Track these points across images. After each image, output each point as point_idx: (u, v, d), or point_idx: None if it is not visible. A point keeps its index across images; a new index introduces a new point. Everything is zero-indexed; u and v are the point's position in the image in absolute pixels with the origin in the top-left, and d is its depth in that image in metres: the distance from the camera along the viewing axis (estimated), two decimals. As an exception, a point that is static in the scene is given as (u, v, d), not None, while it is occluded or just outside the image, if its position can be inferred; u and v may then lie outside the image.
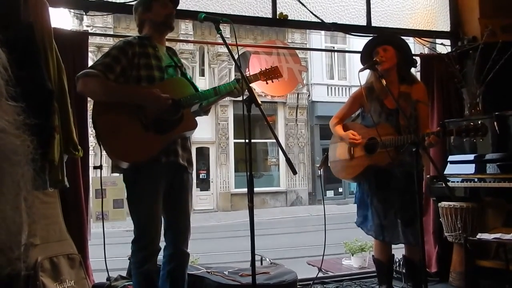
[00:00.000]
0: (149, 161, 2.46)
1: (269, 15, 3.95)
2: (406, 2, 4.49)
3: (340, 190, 18.52)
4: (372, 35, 4.17)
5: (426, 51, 4.59)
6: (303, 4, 3.98)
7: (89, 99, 2.90)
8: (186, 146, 2.66)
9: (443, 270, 3.94)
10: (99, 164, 2.61)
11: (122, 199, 3.69)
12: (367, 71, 3.13)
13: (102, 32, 14.15)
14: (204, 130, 15.43)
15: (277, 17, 3.94)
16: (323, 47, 17.73)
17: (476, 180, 3.57)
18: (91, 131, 3.43)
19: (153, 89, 2.45)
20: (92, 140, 4.05)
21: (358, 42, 4.61)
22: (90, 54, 3.83)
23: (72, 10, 3.63)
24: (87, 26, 13.48)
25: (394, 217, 3.05)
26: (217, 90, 2.68)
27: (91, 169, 3.40)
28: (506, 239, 3.09)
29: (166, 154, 2.51)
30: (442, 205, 3.70)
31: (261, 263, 4.27)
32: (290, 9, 4.00)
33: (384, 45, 3.07)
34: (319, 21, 4.05)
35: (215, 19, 2.46)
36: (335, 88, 18.99)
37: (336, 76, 19.24)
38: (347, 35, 4.38)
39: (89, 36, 3.51)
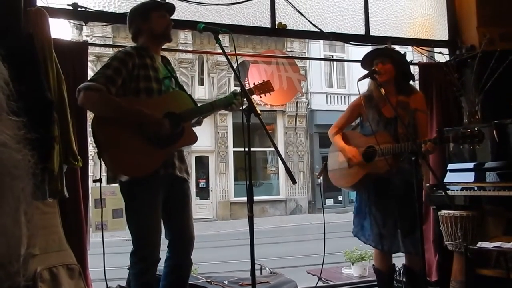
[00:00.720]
0: (145, 176, 2.46)
1: (268, 24, 3.97)
2: (405, 11, 4.51)
3: (340, 198, 18.50)
4: (370, 44, 4.20)
5: (424, 60, 4.60)
6: (301, 14, 4.01)
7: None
8: (183, 157, 2.68)
9: (443, 279, 3.92)
10: (98, 177, 2.61)
11: (122, 209, 3.68)
12: (367, 80, 3.14)
13: (102, 42, 14.19)
14: (203, 139, 15.45)
15: (276, 27, 3.96)
16: (322, 56, 17.80)
17: (475, 188, 3.56)
18: (90, 141, 3.43)
19: (152, 113, 2.44)
20: (91, 150, 4.05)
21: (357, 51, 4.64)
22: (89, 64, 3.84)
23: (72, 21, 3.64)
24: (86, 36, 13.54)
25: (394, 226, 3.05)
26: (214, 104, 2.69)
27: (90, 179, 3.39)
28: (506, 248, 3.08)
29: (164, 167, 2.52)
30: (442, 214, 3.70)
31: (261, 272, 4.25)
32: (288, 19, 4.02)
33: (383, 59, 3.09)
34: (318, 30, 4.07)
35: (214, 29, 2.48)
36: (334, 96, 19.03)
37: (335, 84, 19.30)
38: (346, 44, 4.40)
39: (89, 46, 3.52)
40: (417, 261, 2.92)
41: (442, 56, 4.52)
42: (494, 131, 3.52)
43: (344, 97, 18.86)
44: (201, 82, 17.20)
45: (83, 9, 3.36)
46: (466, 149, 3.89)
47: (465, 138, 2.59)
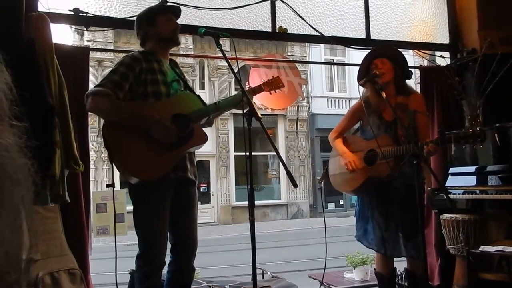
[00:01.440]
0: (156, 179, 2.47)
1: (268, 29, 3.97)
2: (405, 15, 4.52)
3: (341, 202, 18.46)
4: (371, 47, 4.20)
5: (425, 63, 4.60)
6: (302, 18, 4.01)
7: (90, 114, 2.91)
8: (193, 160, 2.69)
9: (445, 283, 3.91)
10: (111, 182, 2.62)
11: (123, 214, 3.68)
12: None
13: (103, 46, 14.22)
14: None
15: (277, 31, 3.97)
16: (323, 60, 17.82)
17: (477, 192, 3.55)
18: (91, 146, 3.43)
19: (160, 119, 2.45)
20: (92, 154, 4.05)
21: (358, 55, 4.64)
22: (90, 69, 3.85)
23: (73, 26, 3.65)
24: (87, 41, 13.57)
25: (395, 230, 3.04)
26: (219, 104, 2.68)
27: (92, 184, 3.39)
28: (508, 252, 3.07)
29: (175, 170, 2.52)
30: (444, 218, 3.69)
31: (263, 277, 4.24)
32: (289, 23, 4.02)
33: (382, 58, 3.09)
34: (319, 34, 4.07)
35: (215, 34, 2.48)
36: (335, 100, 19.04)
37: (336, 88, 19.30)
38: (346, 48, 4.40)
39: (90, 51, 3.53)
40: (419, 265, 2.90)
41: (443, 59, 4.52)
42: (496, 135, 3.52)
43: (345, 101, 18.86)
44: (202, 87, 17.21)
45: (84, 14, 3.37)
46: (468, 153, 3.89)
47: (467, 138, 2.58)
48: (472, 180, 3.67)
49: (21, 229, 0.49)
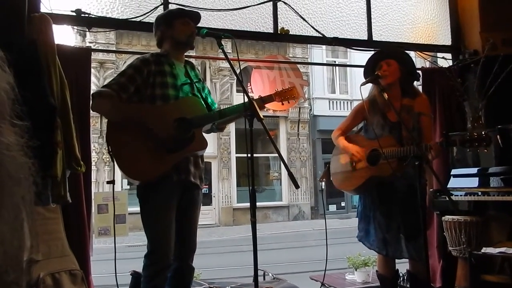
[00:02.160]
0: (159, 179, 2.50)
1: (270, 30, 3.98)
2: (407, 17, 4.52)
3: (343, 204, 18.45)
4: (373, 49, 4.20)
5: (427, 65, 4.60)
6: (304, 19, 4.01)
7: (92, 114, 2.92)
8: (198, 163, 2.70)
9: (447, 285, 3.90)
10: (111, 179, 2.65)
11: (124, 214, 3.68)
12: (370, 85, 3.13)
13: (105, 48, 14.24)
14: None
15: (279, 32, 3.97)
16: (325, 61, 17.81)
17: (479, 193, 3.54)
18: (93, 147, 3.43)
19: (163, 116, 2.49)
20: (94, 155, 4.06)
21: (359, 56, 4.64)
22: (92, 70, 3.86)
23: (75, 27, 3.66)
24: (89, 42, 13.60)
25: (397, 232, 3.03)
26: (223, 112, 2.68)
27: (93, 185, 3.40)
28: (511, 254, 3.06)
29: (177, 172, 2.55)
30: (446, 219, 3.68)
31: (264, 278, 4.23)
32: (291, 24, 4.03)
33: (388, 59, 3.08)
34: (320, 35, 4.07)
35: (217, 35, 2.49)
36: (336, 102, 19.03)
37: (337, 90, 19.30)
38: (348, 50, 4.40)
39: (92, 52, 3.53)
40: (421, 267, 2.90)
41: (445, 61, 4.52)
42: (498, 136, 3.51)
43: (347, 102, 18.85)
44: (204, 88, 17.22)
45: (87, 15, 3.37)
46: (470, 154, 3.88)
47: (472, 141, 2.57)
48: (474, 182, 3.67)
49: (22, 229, 0.48)
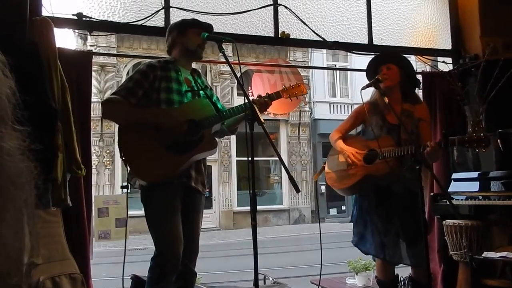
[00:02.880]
0: (162, 182, 2.52)
1: (271, 34, 3.98)
2: (408, 21, 4.52)
3: (343, 208, 18.42)
4: (373, 53, 4.21)
5: (428, 69, 4.60)
6: (304, 23, 4.02)
7: (93, 117, 2.92)
8: (201, 169, 2.71)
9: (448, 290, 3.89)
10: (125, 184, 2.67)
11: (125, 218, 3.67)
12: (371, 88, 3.14)
13: (106, 51, 14.27)
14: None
15: (279, 36, 3.98)
16: (325, 65, 17.81)
17: (480, 197, 3.54)
18: (93, 150, 3.43)
19: (173, 118, 2.54)
20: (94, 159, 4.06)
21: (360, 60, 4.65)
22: (93, 73, 3.87)
23: (76, 31, 3.67)
24: (90, 45, 13.61)
25: (395, 236, 3.01)
26: (229, 111, 2.69)
27: (93, 188, 3.40)
28: (512, 258, 3.05)
29: (178, 176, 2.55)
30: (447, 223, 3.67)
31: (264, 282, 4.22)
32: (292, 28, 4.03)
33: (388, 64, 3.09)
34: (321, 39, 4.08)
35: (218, 39, 2.51)
36: (337, 105, 19.03)
37: (338, 93, 19.31)
38: (349, 53, 4.41)
39: (93, 56, 3.54)
40: (423, 273, 2.89)
41: (445, 65, 4.52)
42: (499, 140, 3.51)
43: (347, 106, 18.85)
44: (205, 92, 17.23)
45: (88, 19, 3.38)
46: (470, 158, 3.88)
47: (471, 142, 2.57)
48: (474, 186, 3.66)
49: (23, 231, 0.49)
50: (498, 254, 3.13)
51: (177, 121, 2.55)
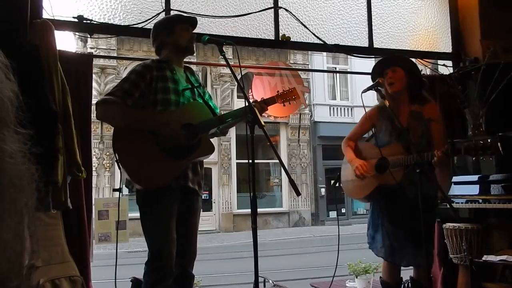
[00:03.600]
0: (162, 185, 2.50)
1: (271, 37, 3.99)
2: (408, 24, 4.53)
3: (343, 210, 18.42)
4: (374, 56, 4.22)
5: (428, 72, 4.61)
6: (305, 26, 4.03)
7: (93, 119, 2.92)
8: (197, 169, 2.70)
9: (448, 293, 3.88)
10: (116, 187, 2.63)
11: (125, 221, 3.67)
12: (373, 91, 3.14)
13: (106, 53, 14.29)
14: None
15: (280, 39, 3.98)
16: (325, 68, 17.85)
17: (480, 201, 3.53)
18: (94, 153, 3.43)
19: (170, 122, 2.49)
20: (95, 161, 4.06)
21: (360, 63, 4.66)
22: (93, 76, 3.87)
23: (77, 33, 3.67)
24: (91, 48, 13.64)
25: (405, 239, 3.03)
26: (222, 117, 2.69)
27: (93, 190, 3.39)
28: (512, 261, 3.05)
29: (176, 178, 2.54)
30: (447, 227, 3.67)
31: (264, 285, 4.22)
32: (292, 31, 4.04)
33: (394, 67, 3.09)
34: (321, 42, 4.09)
35: (219, 41, 2.50)
36: (337, 108, 19.05)
37: (338, 96, 19.32)
38: (349, 56, 4.41)
39: (93, 58, 3.54)
40: (425, 274, 2.90)
41: (445, 68, 4.53)
42: (499, 144, 3.51)
43: (347, 109, 18.88)
44: (205, 94, 17.25)
45: (88, 21, 3.39)
46: (471, 162, 3.87)
47: (478, 150, 2.56)
48: (475, 189, 3.66)
49: (24, 235, 0.49)
50: (498, 258, 3.12)
51: (175, 126, 2.51)
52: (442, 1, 4.66)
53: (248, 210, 2.28)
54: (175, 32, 2.71)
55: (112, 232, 3.65)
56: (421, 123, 3.03)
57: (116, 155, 2.52)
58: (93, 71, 3.56)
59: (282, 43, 4.06)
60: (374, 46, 4.32)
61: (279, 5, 4.00)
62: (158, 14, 3.56)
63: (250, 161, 2.28)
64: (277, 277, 5.26)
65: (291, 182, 2.15)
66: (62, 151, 2.79)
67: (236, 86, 16.24)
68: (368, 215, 3.34)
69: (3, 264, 0.45)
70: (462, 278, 3.66)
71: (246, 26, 3.91)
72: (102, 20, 3.47)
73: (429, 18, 4.62)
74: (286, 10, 4.00)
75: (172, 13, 3.56)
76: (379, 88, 2.97)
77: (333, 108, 19.02)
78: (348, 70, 17.71)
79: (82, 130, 3.17)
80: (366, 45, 4.32)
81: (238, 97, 16.88)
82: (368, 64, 3.30)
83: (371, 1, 4.40)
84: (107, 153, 14.83)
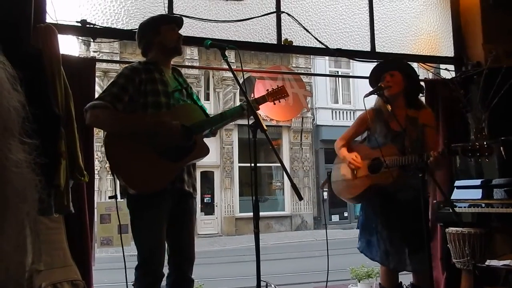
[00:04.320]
0: (158, 189, 2.47)
1: (274, 41, 4.00)
2: (410, 28, 4.54)
3: (346, 214, 18.38)
4: (376, 60, 4.22)
5: (430, 76, 4.61)
6: (307, 31, 4.03)
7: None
8: (191, 172, 2.66)
9: (451, 297, 3.87)
10: (114, 194, 2.59)
11: (127, 224, 3.67)
12: (374, 95, 3.14)
13: (109, 57, 14.33)
14: (208, 154, 15.35)
15: (282, 43, 3.99)
16: (327, 72, 17.85)
17: (483, 205, 3.53)
18: (96, 156, 3.44)
19: (163, 119, 2.46)
20: (97, 164, 4.06)
21: (362, 67, 4.66)
22: (96, 79, 3.88)
23: (80, 38, 3.69)
24: (94, 51, 13.68)
25: (400, 243, 3.00)
26: (224, 115, 2.69)
27: (96, 194, 3.40)
28: (515, 266, 3.04)
29: (172, 181, 2.51)
30: (450, 231, 3.66)
31: (266, 290, 4.20)
32: (294, 35, 4.05)
33: (391, 71, 3.09)
34: (324, 47, 4.09)
35: (221, 46, 2.49)
36: (339, 112, 19.05)
37: (340, 100, 19.33)
38: (351, 60, 4.41)
39: (96, 62, 3.55)
40: (424, 279, 2.88)
41: (448, 72, 4.53)
42: (502, 148, 3.50)
43: (350, 112, 18.88)
44: (207, 97, 17.29)
45: (92, 25, 3.40)
46: (473, 166, 3.87)
47: (474, 151, 2.57)
48: (477, 194, 3.65)
49: (25, 245, 0.49)
50: (501, 262, 3.11)
51: (170, 127, 2.46)
52: (444, 5, 4.66)
53: (251, 214, 2.28)
54: (161, 33, 2.66)
55: (114, 236, 3.65)
56: (416, 128, 3.03)
57: (109, 161, 2.47)
58: (96, 74, 3.57)
59: (284, 48, 4.07)
60: (376, 51, 4.33)
61: (282, 9, 4.01)
62: (161, 18, 3.56)
63: (252, 164, 2.27)
64: (279, 281, 5.25)
65: (293, 187, 2.14)
66: (65, 155, 2.79)
67: (238, 89, 16.25)
68: (360, 218, 3.30)
69: (1, 274, 0.45)
70: (465, 282, 3.65)
71: (249, 30, 3.92)
72: (105, 25, 3.48)
73: (431, 22, 4.62)
74: (289, 14, 4.01)
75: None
76: (381, 92, 2.97)
77: (335, 112, 19.02)
78: (350, 74, 17.71)
79: (84, 134, 3.17)
80: (368, 49, 4.33)
81: (241, 100, 16.88)
82: (370, 68, 3.30)
83: (373, 6, 4.40)
84: (107, 162, 14.78)
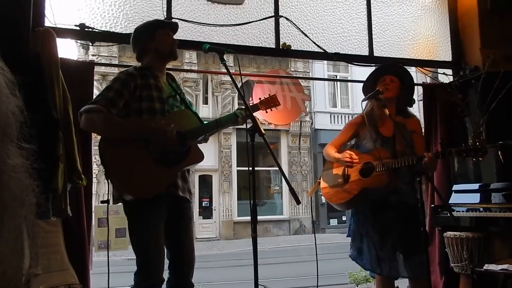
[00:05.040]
0: (154, 195, 2.46)
1: (272, 45, 4.00)
2: (408, 33, 4.55)
3: (344, 218, 18.37)
4: (374, 64, 4.23)
5: (428, 80, 4.62)
6: (305, 35, 4.04)
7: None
8: (186, 177, 2.66)
9: (449, 302, 3.86)
10: (106, 198, 2.58)
11: (125, 228, 3.67)
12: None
13: (108, 61, 14.34)
14: (207, 158, 15.25)
15: (281, 47, 4.00)
16: (326, 76, 17.90)
17: (481, 209, 3.53)
18: (94, 160, 3.43)
19: (158, 123, 2.44)
20: (95, 168, 4.06)
21: (360, 71, 4.67)
22: (95, 83, 3.87)
23: (79, 41, 3.69)
24: (92, 55, 13.69)
25: (392, 249, 2.97)
26: (219, 122, 2.69)
27: (94, 198, 3.39)
28: (513, 270, 3.04)
29: (166, 187, 2.51)
30: (448, 235, 3.66)
31: (264, 294, 4.20)
32: (293, 39, 4.05)
33: (394, 76, 3.10)
34: (322, 51, 4.10)
35: (220, 50, 2.49)
36: (338, 116, 19.08)
37: (338, 104, 19.37)
38: (349, 65, 4.42)
39: (95, 66, 3.55)
40: (420, 285, 2.87)
41: (446, 76, 4.54)
42: (499, 152, 3.51)
43: (348, 116, 18.88)
44: (206, 101, 17.30)
45: (90, 29, 3.40)
46: (471, 170, 3.87)
47: (468, 151, 2.58)
48: (475, 198, 3.66)
49: (22, 249, 0.49)
50: (499, 267, 3.12)
51: (165, 133, 2.44)
52: (442, 10, 4.68)
53: (249, 218, 2.28)
54: (156, 38, 2.65)
55: (112, 240, 3.65)
56: (405, 133, 3.02)
57: (104, 166, 2.45)
58: (95, 78, 3.56)
59: (283, 52, 4.07)
60: (374, 55, 4.34)
61: (280, 14, 4.02)
62: (160, 22, 3.57)
63: (251, 168, 2.27)
64: (277, 286, 5.24)
65: (291, 191, 2.14)
66: (63, 158, 2.79)
67: (236, 93, 16.27)
68: (350, 225, 3.25)
69: None
70: (463, 287, 3.65)
71: (247, 34, 3.93)
72: (104, 28, 3.48)
73: (429, 27, 4.64)
74: (287, 19, 4.01)
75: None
76: (379, 96, 2.97)
77: (334, 116, 19.05)
78: (349, 78, 17.74)
79: (82, 137, 3.17)
80: (366, 53, 4.34)
81: (239, 104, 16.88)
82: (368, 72, 3.30)
83: (371, 10, 4.42)
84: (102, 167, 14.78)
